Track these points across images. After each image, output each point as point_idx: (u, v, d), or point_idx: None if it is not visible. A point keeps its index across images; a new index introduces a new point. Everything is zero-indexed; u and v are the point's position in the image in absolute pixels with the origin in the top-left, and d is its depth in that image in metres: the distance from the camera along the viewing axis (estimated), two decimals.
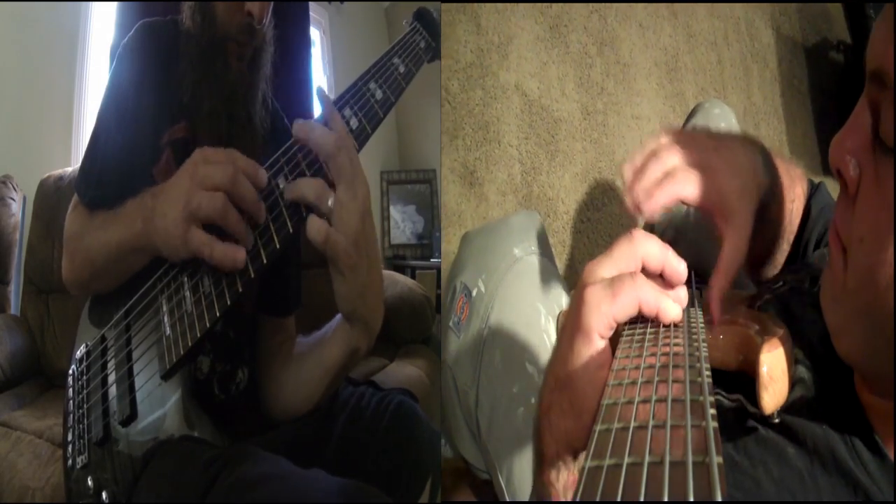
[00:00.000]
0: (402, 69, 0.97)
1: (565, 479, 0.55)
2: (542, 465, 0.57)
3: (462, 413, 1.03)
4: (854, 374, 0.58)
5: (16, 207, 1.81)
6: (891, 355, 0.49)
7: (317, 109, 0.88)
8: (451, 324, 1.04)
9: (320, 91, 0.86)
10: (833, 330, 0.56)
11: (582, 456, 0.54)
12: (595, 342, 0.51)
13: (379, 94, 0.91)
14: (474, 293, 1.00)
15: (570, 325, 0.53)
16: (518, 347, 0.93)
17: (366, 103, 0.89)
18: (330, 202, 0.77)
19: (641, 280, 0.52)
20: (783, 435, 0.57)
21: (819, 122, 3.22)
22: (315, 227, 0.76)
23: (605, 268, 0.54)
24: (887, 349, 0.49)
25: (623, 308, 0.51)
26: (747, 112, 2.87)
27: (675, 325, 0.53)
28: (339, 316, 0.89)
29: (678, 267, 0.55)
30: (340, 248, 0.77)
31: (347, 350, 0.89)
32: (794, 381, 0.59)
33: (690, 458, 0.31)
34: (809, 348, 0.61)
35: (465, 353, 1.00)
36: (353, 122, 0.86)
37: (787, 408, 0.57)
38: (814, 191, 0.86)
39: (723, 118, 1.40)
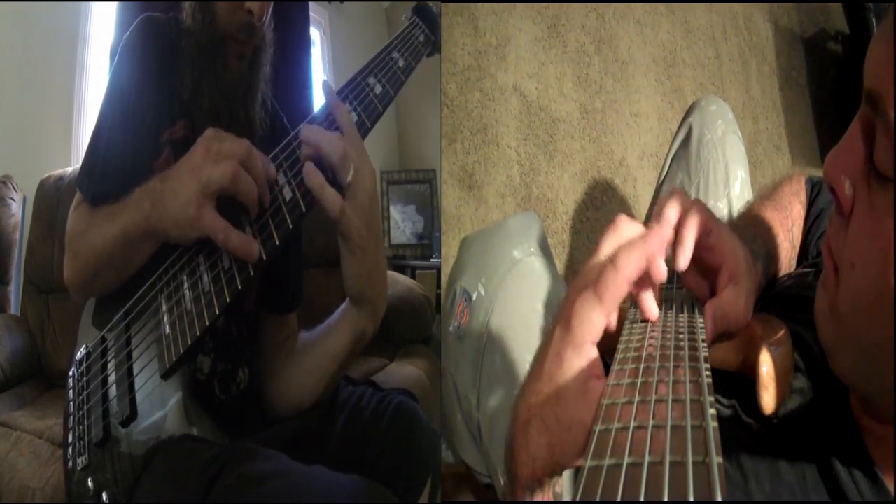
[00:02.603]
0: (401, 63, 0.97)
1: (540, 500, 0.54)
2: (514, 487, 0.55)
3: (463, 417, 1.02)
4: (849, 390, 0.57)
5: (16, 207, 1.81)
6: (881, 382, 0.49)
7: (316, 109, 0.88)
8: (451, 328, 1.04)
9: (325, 84, 0.86)
10: (826, 347, 0.56)
11: (557, 479, 0.54)
12: (588, 353, 0.51)
13: (378, 89, 0.91)
14: (474, 297, 1.00)
15: (559, 338, 0.52)
16: (519, 350, 0.93)
17: (365, 98, 0.89)
18: (350, 175, 0.77)
19: (622, 261, 0.52)
20: (777, 448, 0.57)
21: (818, 115, 3.22)
22: (331, 198, 0.77)
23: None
24: (877, 376, 0.49)
25: (614, 302, 0.51)
26: (746, 106, 2.87)
27: (676, 326, 0.53)
28: (344, 303, 0.90)
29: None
30: (353, 224, 0.78)
31: (355, 334, 0.90)
32: (792, 390, 0.58)
33: (690, 458, 0.31)
34: (809, 355, 0.61)
35: (466, 357, 1.00)
36: (353, 117, 0.86)
37: (784, 417, 0.57)
38: (816, 193, 0.86)
39: (719, 114, 1.39)
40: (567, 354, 0.51)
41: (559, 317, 0.54)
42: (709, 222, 0.60)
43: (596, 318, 0.51)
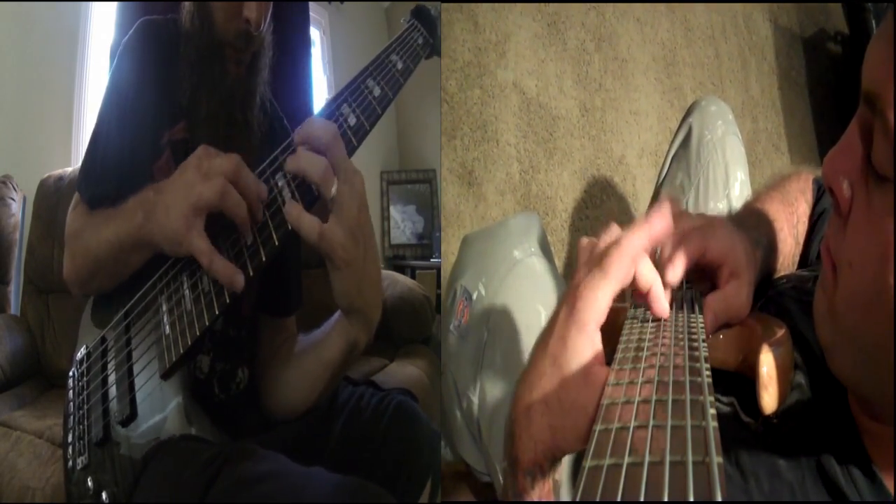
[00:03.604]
0: (399, 66, 0.97)
1: (541, 487, 0.54)
2: (515, 471, 0.55)
3: (463, 416, 1.03)
4: (847, 390, 0.58)
5: (16, 207, 1.81)
6: (880, 382, 0.49)
7: (316, 110, 0.88)
8: (451, 327, 1.04)
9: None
10: (824, 346, 0.56)
11: (557, 466, 0.54)
12: (591, 335, 0.51)
13: (377, 91, 0.90)
14: (475, 296, 1.00)
15: (563, 320, 0.52)
16: (519, 349, 0.93)
17: (364, 100, 0.89)
18: (333, 189, 0.77)
19: (626, 240, 0.52)
20: (775, 446, 0.57)
21: (817, 115, 3.22)
22: (307, 224, 0.76)
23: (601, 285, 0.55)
24: (876, 375, 0.49)
25: (619, 280, 0.52)
26: (745, 106, 2.88)
27: (676, 326, 0.53)
28: (338, 312, 0.89)
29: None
30: (336, 243, 0.77)
31: (347, 344, 0.89)
32: (792, 386, 0.59)
33: (690, 458, 0.32)
34: (809, 353, 0.61)
35: (466, 356, 1.00)
36: (352, 119, 0.86)
37: (784, 413, 0.57)
38: (820, 195, 0.87)
39: (719, 115, 1.39)
40: (571, 335, 0.51)
41: (564, 299, 0.54)
42: (702, 244, 0.61)
43: (601, 295, 0.51)
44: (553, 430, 0.51)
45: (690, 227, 0.63)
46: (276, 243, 0.78)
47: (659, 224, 0.55)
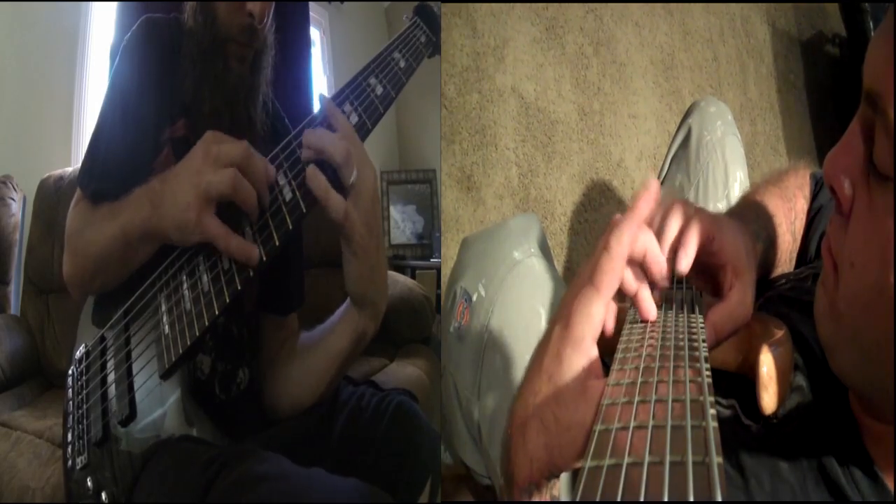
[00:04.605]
0: (402, 64, 0.96)
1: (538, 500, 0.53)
2: (511, 489, 0.54)
3: (463, 418, 1.02)
4: (848, 389, 0.58)
5: (16, 207, 1.81)
6: (881, 381, 0.49)
7: (316, 110, 0.88)
8: (451, 329, 1.04)
9: (322, 97, 0.86)
10: (825, 345, 0.56)
11: (554, 481, 0.53)
12: (587, 351, 0.51)
13: (379, 90, 0.90)
14: (474, 298, 1.00)
15: (558, 336, 0.52)
16: (519, 351, 0.93)
17: (366, 98, 0.88)
18: (354, 176, 0.77)
19: (612, 242, 0.53)
20: (776, 447, 0.57)
21: (815, 117, 3.22)
22: (335, 200, 0.77)
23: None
24: (877, 375, 0.49)
25: (611, 288, 0.52)
26: (743, 108, 2.88)
27: (676, 326, 0.53)
28: (345, 304, 0.90)
29: (658, 259, 0.57)
30: (356, 226, 0.78)
31: (356, 334, 0.90)
32: (792, 388, 0.59)
33: (690, 458, 0.32)
34: (809, 353, 0.61)
35: (466, 358, 1.00)
36: (353, 118, 0.86)
37: (784, 415, 0.57)
38: (818, 189, 0.87)
39: (719, 116, 1.40)
40: (566, 352, 0.51)
41: (558, 315, 0.54)
42: (711, 229, 0.61)
43: (595, 311, 0.51)
44: (549, 449, 0.50)
45: (697, 211, 0.62)
46: (277, 243, 0.78)
47: (645, 208, 0.55)
